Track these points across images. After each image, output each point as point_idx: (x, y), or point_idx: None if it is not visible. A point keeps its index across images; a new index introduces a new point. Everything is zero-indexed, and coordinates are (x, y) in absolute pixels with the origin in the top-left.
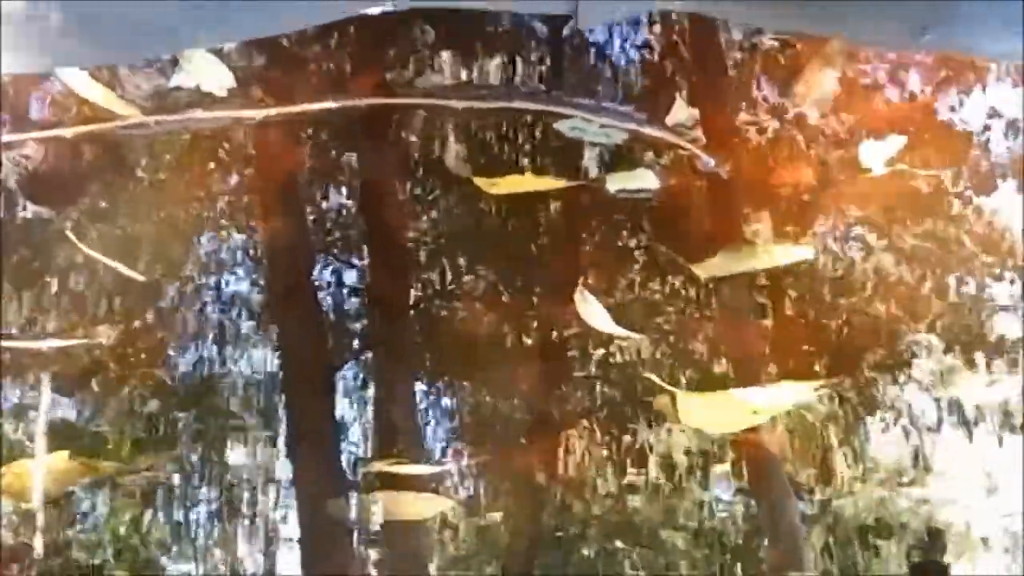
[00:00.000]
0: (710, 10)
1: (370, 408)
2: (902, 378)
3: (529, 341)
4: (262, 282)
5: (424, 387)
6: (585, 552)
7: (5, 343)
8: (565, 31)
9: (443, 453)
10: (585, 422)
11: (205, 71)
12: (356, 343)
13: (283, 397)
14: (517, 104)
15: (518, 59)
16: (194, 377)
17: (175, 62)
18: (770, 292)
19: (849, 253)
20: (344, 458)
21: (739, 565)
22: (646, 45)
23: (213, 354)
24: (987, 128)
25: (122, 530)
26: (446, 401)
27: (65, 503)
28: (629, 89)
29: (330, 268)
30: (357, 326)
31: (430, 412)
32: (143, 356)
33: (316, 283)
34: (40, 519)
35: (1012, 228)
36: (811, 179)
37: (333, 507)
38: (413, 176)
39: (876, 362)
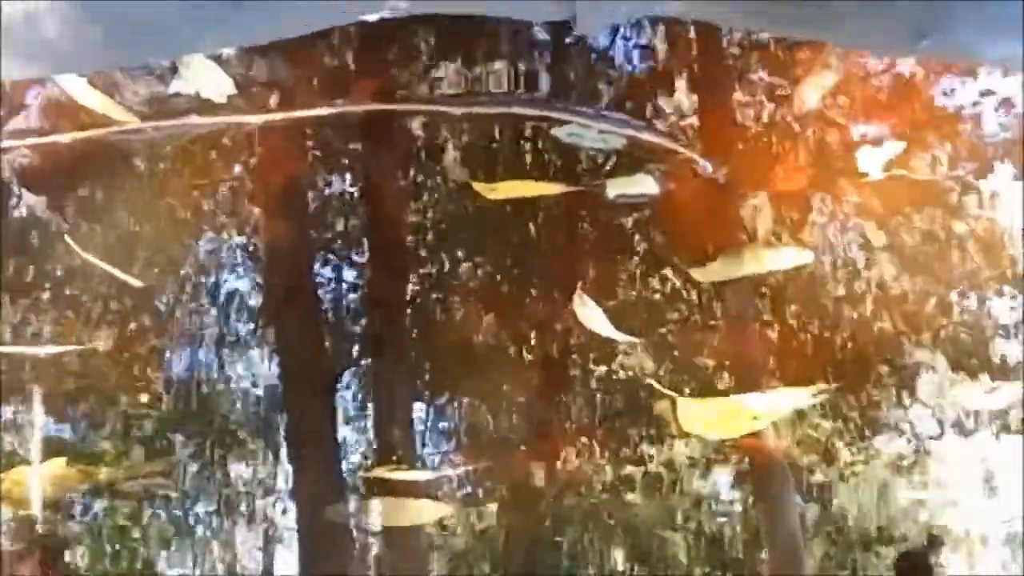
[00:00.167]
0: (707, 14)
1: (369, 414)
2: (902, 384)
3: (528, 345)
4: (261, 286)
5: (423, 393)
6: (583, 553)
7: (1, 348)
8: (564, 37)
9: (441, 460)
10: (585, 424)
11: (204, 77)
12: (355, 348)
13: (283, 402)
14: (516, 110)
15: (517, 65)
16: (193, 382)
17: (174, 69)
18: (769, 297)
19: (849, 254)
20: (343, 464)
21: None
22: (644, 50)
23: (212, 358)
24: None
25: (120, 533)
26: (444, 407)
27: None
28: (627, 95)
29: (329, 269)
30: (356, 330)
31: (429, 418)
32: (140, 361)
33: (315, 288)
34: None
35: (1012, 227)
36: (810, 184)
37: (332, 512)
38: (413, 181)
39: (876, 368)
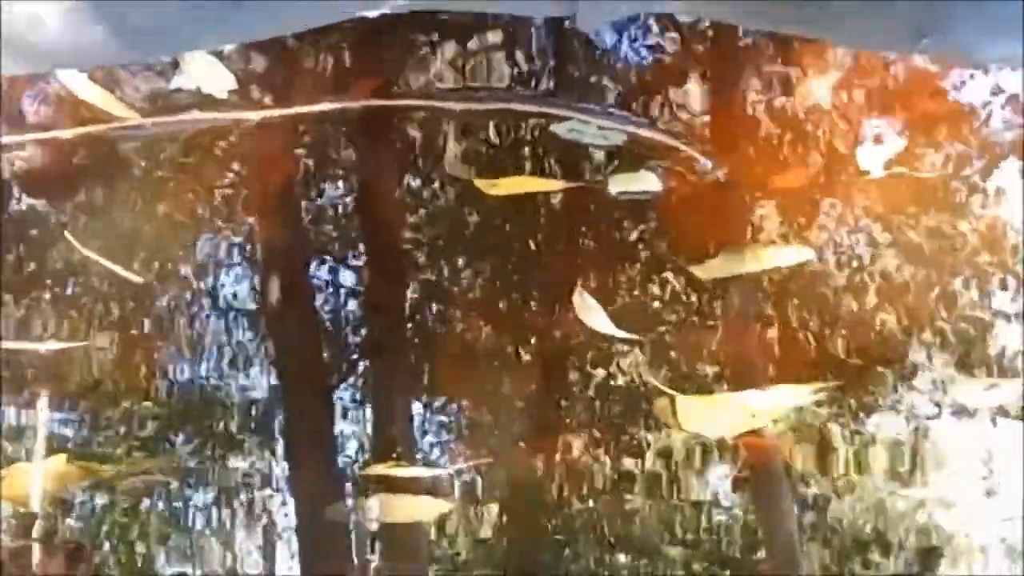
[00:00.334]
0: (707, 11)
1: (368, 413)
2: (901, 381)
3: (528, 344)
4: (258, 286)
5: (422, 392)
6: (582, 554)
7: (3, 344)
8: (564, 33)
9: (441, 455)
10: (584, 426)
11: (206, 73)
12: (354, 347)
13: (281, 402)
14: (516, 106)
15: (517, 62)
16: (191, 382)
17: (175, 64)
18: (771, 295)
19: (856, 251)
20: (342, 461)
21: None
22: (646, 47)
23: (210, 358)
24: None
25: (119, 531)
26: (444, 406)
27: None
28: (626, 91)
29: (326, 269)
30: (353, 330)
31: (428, 417)
32: (140, 359)
33: (313, 286)
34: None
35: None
36: (814, 180)
37: (331, 511)
38: (412, 178)
39: (875, 366)
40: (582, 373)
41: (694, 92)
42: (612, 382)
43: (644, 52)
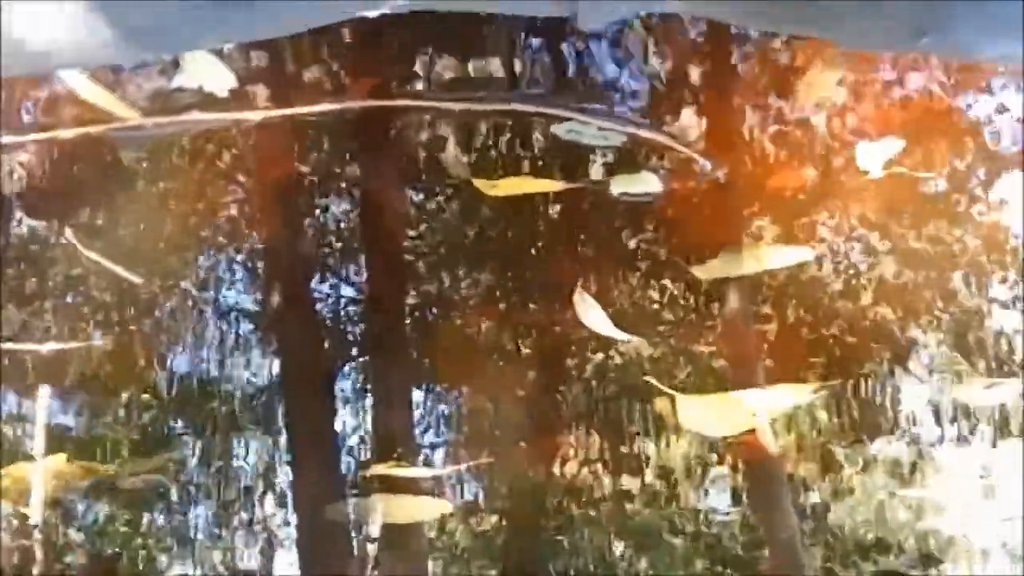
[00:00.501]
0: (707, 11)
1: (369, 412)
2: (900, 381)
3: (528, 344)
4: (261, 285)
5: (422, 391)
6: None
7: (4, 345)
8: (565, 33)
9: (442, 456)
10: (583, 426)
11: (207, 72)
12: (354, 346)
13: (282, 401)
14: (515, 107)
15: (517, 62)
16: (193, 382)
17: (176, 63)
18: (770, 295)
19: (851, 256)
20: (343, 461)
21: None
22: (646, 47)
23: (213, 358)
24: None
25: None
26: (444, 406)
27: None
28: (628, 91)
29: (328, 270)
30: (355, 328)
31: (428, 416)
32: (141, 361)
33: (314, 286)
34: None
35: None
36: (812, 182)
37: (332, 511)
38: (412, 178)
39: (874, 365)
40: (582, 372)
41: (694, 93)
42: (612, 373)
43: (643, 52)
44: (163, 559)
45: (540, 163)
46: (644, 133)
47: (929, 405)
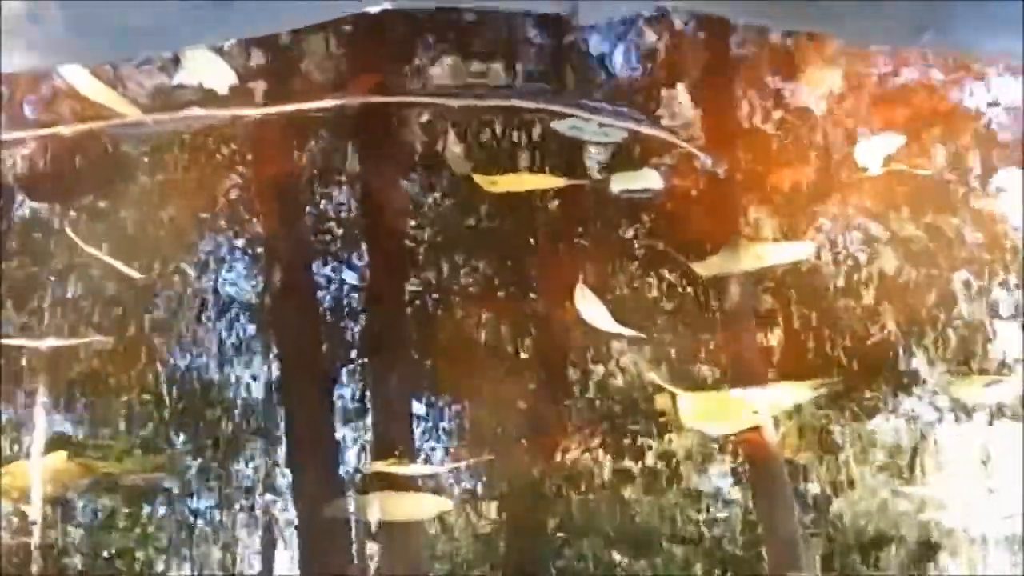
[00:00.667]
0: (708, 8)
1: (368, 411)
2: (900, 379)
3: (528, 341)
4: (260, 282)
5: (422, 389)
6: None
7: (4, 341)
8: (565, 29)
9: (442, 454)
10: (585, 425)
11: (207, 69)
12: (354, 344)
13: (282, 400)
14: (515, 103)
15: (517, 58)
16: (192, 380)
17: (177, 60)
18: (770, 291)
19: (850, 249)
20: (343, 460)
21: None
22: (646, 43)
23: (212, 355)
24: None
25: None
26: (444, 405)
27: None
28: (628, 88)
29: (328, 267)
30: (355, 326)
31: (428, 414)
32: (140, 356)
33: (314, 282)
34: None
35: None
36: (812, 177)
37: (332, 509)
38: (412, 174)
39: (875, 363)
40: (582, 370)
41: (693, 91)
42: (612, 372)
43: (643, 49)
44: (162, 558)
45: (540, 159)
46: (644, 129)
47: (929, 404)
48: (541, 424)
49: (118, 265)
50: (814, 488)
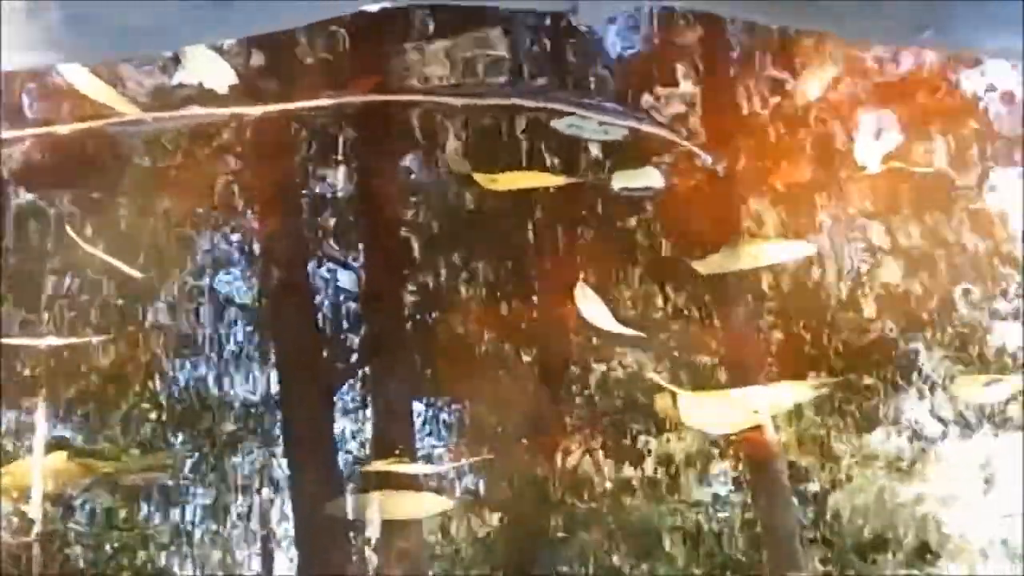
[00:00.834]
0: (706, 6)
1: (369, 409)
2: (901, 377)
3: (528, 341)
4: (258, 282)
5: (422, 388)
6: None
7: (3, 340)
8: (564, 28)
9: (443, 452)
10: (586, 424)
11: (207, 68)
12: (353, 345)
13: (280, 400)
14: (515, 101)
15: (517, 56)
16: (190, 379)
17: (177, 59)
18: (771, 290)
19: (850, 247)
20: (342, 458)
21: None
22: (646, 42)
23: (209, 356)
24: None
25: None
26: (444, 404)
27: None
28: (628, 85)
29: (326, 267)
30: (354, 327)
31: (428, 413)
32: (140, 356)
33: (312, 282)
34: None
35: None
36: (812, 175)
37: (331, 508)
38: (412, 174)
39: (876, 361)
40: (583, 369)
41: (693, 89)
42: (612, 372)
43: (643, 47)
44: (161, 556)
45: (540, 158)
46: (645, 127)
47: (929, 403)
48: (542, 423)
49: (118, 264)
50: (813, 487)
